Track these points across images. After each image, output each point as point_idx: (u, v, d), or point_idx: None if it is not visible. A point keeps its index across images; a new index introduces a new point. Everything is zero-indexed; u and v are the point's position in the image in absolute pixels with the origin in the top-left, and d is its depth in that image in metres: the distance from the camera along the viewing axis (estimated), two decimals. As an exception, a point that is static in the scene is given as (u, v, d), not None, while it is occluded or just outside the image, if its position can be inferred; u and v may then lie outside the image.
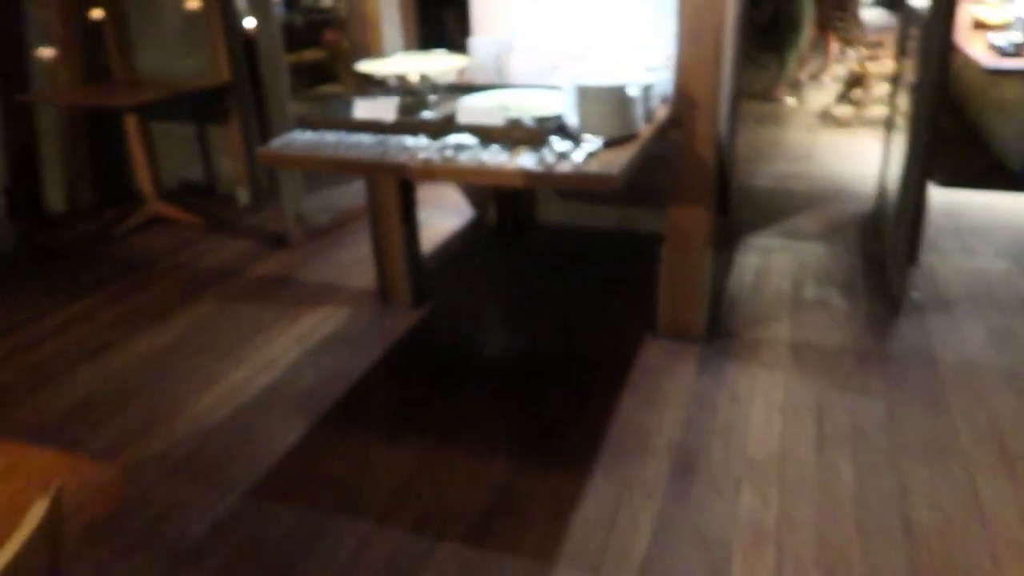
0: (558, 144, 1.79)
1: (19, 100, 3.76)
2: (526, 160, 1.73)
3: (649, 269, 2.57)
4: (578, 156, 1.71)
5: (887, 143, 3.66)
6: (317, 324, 2.71)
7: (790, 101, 6.34)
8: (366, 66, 2.18)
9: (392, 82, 2.11)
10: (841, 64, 7.22)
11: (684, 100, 2.25)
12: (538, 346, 2.59)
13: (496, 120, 1.90)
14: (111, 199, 4.05)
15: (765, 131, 5.42)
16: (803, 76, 6.62)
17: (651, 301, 2.55)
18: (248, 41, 3.86)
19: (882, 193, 3.59)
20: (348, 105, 2.08)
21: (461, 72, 2.19)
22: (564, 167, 1.69)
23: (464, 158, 1.77)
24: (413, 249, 2.80)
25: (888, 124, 3.64)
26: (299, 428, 2.16)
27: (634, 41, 2.96)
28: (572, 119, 1.87)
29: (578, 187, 1.67)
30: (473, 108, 1.96)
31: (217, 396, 2.31)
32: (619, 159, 1.74)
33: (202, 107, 4.08)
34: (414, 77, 2.10)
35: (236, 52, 3.82)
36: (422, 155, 1.79)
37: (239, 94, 3.86)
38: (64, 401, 2.33)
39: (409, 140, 1.91)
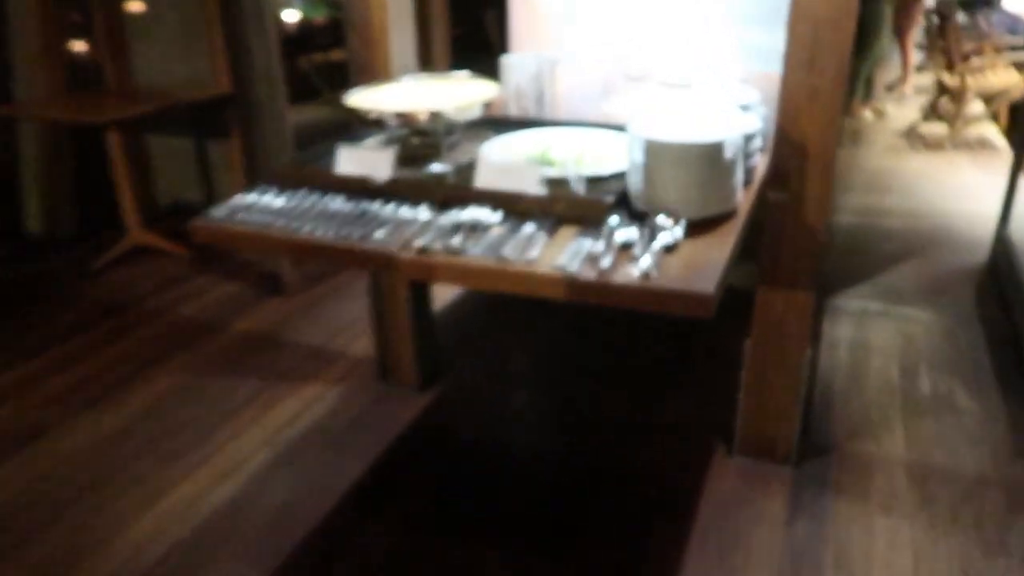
0: (620, 230, 1.21)
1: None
2: (570, 258, 1.15)
3: (723, 342, 1.98)
4: (647, 258, 1.12)
5: (1013, 178, 2.99)
6: (299, 411, 2.17)
7: (868, 116, 5.64)
8: (357, 98, 1.62)
9: (391, 120, 1.55)
10: (923, 73, 6.48)
11: (790, 149, 1.65)
12: (579, 457, 2.01)
13: (530, 183, 1.33)
14: (99, 223, 3.57)
15: (842, 152, 4.75)
16: (879, 87, 5.90)
17: (723, 393, 1.95)
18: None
19: (1004, 243, 2.92)
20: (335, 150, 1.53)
21: (488, 104, 1.63)
22: (628, 274, 1.11)
23: (478, 250, 1.19)
24: (422, 315, 2.24)
25: (1019, 154, 2.96)
26: (253, 581, 1.61)
27: (708, 59, 2.37)
28: (636, 183, 1.29)
29: (651, 308, 1.10)
30: (499, 164, 1.39)
31: (156, 521, 1.78)
32: (712, 260, 1.15)
33: (203, 120, 3.58)
34: (422, 115, 1.54)
35: (239, 58, 3.30)
36: (419, 240, 1.23)
37: (241, 106, 3.34)
38: (-34, 517, 1.83)
39: (406, 210, 1.35)
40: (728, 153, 1.27)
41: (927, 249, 3.25)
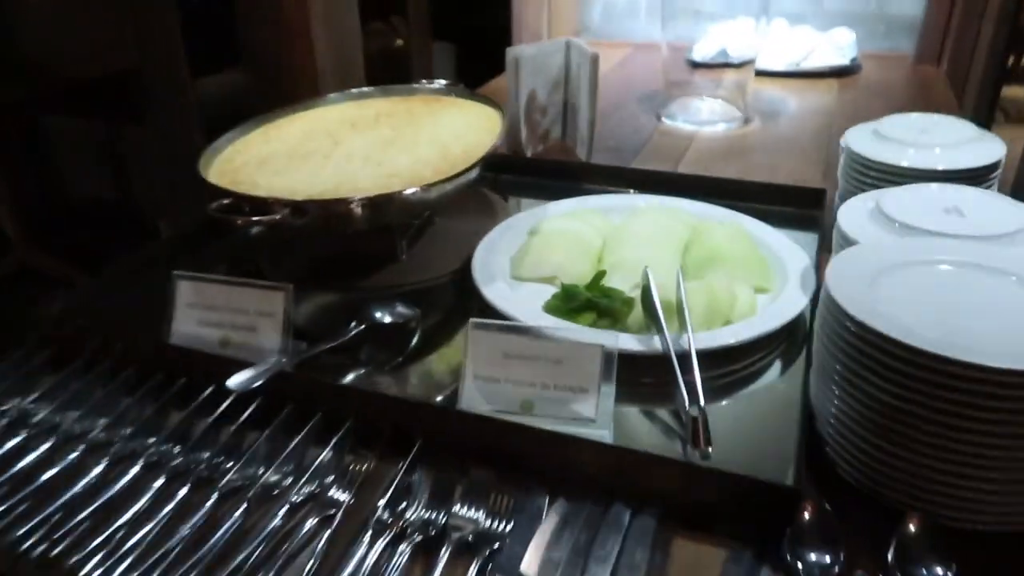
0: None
1: None
2: None
3: None
4: None
5: None
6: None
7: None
8: (220, 164, 0.84)
9: (287, 218, 0.77)
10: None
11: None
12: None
13: (588, 387, 0.57)
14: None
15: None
16: None
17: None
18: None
19: None
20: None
21: (491, 146, 0.85)
22: None
23: None
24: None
25: None
26: None
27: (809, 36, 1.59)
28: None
29: None
30: (513, 350, 0.61)
31: None
32: None
33: (113, 100, 2.79)
34: (354, 207, 0.75)
35: (150, 22, 2.47)
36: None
37: (152, 85, 2.52)
38: None
39: (299, 482, 0.58)
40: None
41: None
